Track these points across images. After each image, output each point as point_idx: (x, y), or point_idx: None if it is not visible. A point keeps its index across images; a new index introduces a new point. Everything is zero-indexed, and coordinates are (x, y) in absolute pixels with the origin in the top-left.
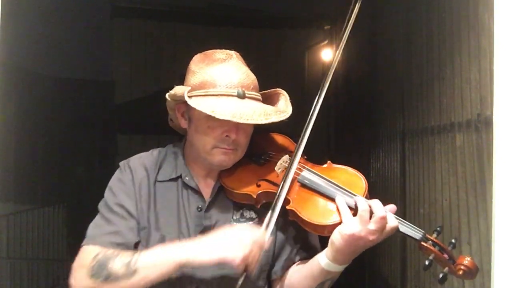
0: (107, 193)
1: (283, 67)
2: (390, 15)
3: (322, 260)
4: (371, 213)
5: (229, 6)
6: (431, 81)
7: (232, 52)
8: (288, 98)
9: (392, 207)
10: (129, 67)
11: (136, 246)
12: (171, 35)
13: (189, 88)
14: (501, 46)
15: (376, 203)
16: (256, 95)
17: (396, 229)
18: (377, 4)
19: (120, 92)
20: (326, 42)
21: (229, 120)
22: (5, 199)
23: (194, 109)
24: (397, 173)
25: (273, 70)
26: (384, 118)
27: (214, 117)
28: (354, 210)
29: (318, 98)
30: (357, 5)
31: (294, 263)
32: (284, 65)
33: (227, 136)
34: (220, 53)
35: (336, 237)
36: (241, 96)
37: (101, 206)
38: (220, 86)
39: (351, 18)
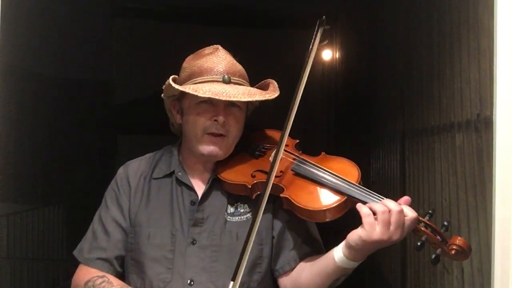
0: (101, 204)
1: (283, 67)
2: (390, 14)
3: (338, 257)
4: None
5: (229, 6)
6: (430, 81)
7: (218, 46)
8: (276, 84)
9: (406, 199)
10: (129, 67)
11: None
12: (171, 35)
13: (175, 76)
14: (502, 46)
15: (390, 201)
16: (242, 81)
17: (417, 220)
18: (377, 4)
19: (120, 92)
20: (326, 42)
21: (217, 104)
22: (5, 199)
23: (184, 100)
24: (397, 173)
25: (273, 70)
26: (384, 118)
27: (202, 104)
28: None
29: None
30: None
31: (300, 259)
32: (284, 65)
33: (215, 120)
34: (207, 48)
35: (355, 242)
36: (227, 81)
37: (95, 216)
38: (207, 74)
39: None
